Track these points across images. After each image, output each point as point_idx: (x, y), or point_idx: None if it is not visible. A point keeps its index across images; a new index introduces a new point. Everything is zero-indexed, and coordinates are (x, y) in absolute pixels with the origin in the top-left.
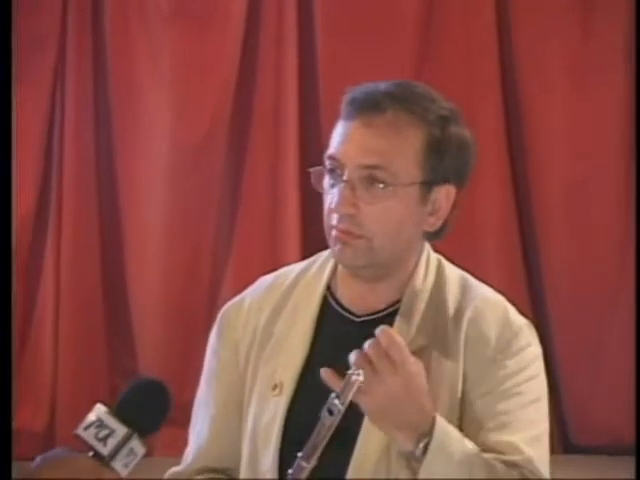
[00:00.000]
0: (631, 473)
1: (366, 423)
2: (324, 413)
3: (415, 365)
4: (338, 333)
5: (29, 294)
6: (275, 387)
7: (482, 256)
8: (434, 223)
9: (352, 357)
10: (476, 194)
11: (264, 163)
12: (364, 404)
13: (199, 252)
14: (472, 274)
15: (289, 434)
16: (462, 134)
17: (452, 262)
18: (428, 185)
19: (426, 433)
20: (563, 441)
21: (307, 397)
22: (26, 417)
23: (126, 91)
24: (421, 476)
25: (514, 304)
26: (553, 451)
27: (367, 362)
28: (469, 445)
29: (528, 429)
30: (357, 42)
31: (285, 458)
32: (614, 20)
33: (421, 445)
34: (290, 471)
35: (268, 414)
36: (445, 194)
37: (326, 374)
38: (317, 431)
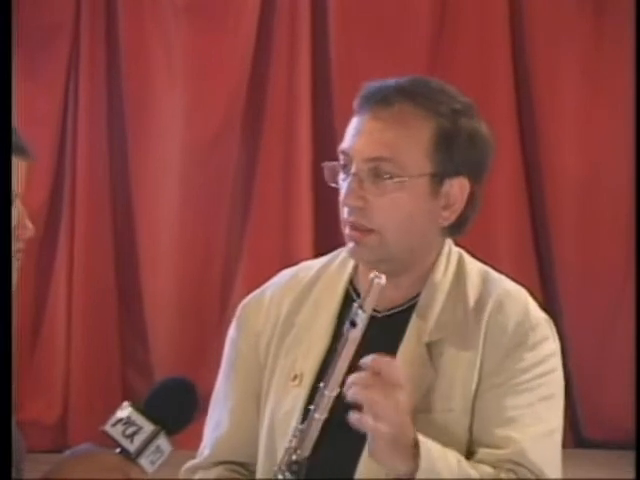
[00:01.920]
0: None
1: None
2: (347, 327)
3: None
4: None
5: (42, 288)
6: (295, 378)
7: (494, 249)
8: (449, 217)
9: (350, 380)
10: (488, 189)
11: (277, 159)
12: (374, 430)
13: (212, 246)
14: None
15: None
16: (475, 127)
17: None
18: (439, 177)
19: (414, 455)
20: (574, 435)
21: None
22: (39, 410)
23: (139, 86)
24: None
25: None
26: (564, 445)
27: (362, 390)
28: (452, 460)
29: (534, 426)
30: (370, 37)
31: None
32: (625, 18)
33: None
34: (312, 407)
35: (287, 405)
36: (459, 187)
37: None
38: (340, 350)
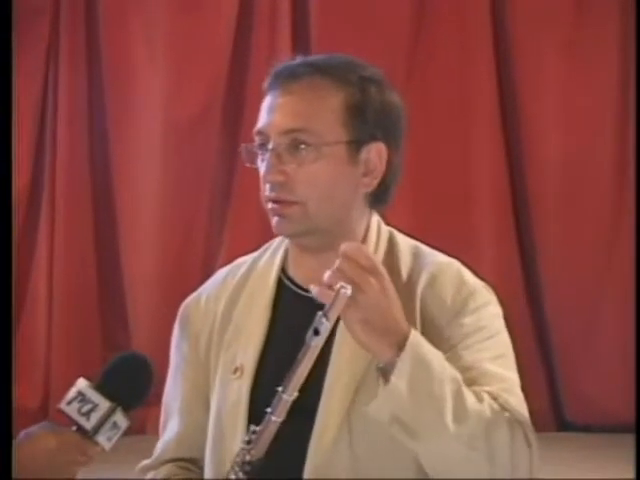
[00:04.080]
0: (626, 451)
1: (326, 392)
2: (310, 335)
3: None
4: (295, 311)
5: (22, 272)
6: (236, 370)
7: (475, 232)
8: (370, 183)
9: (325, 276)
10: (470, 173)
11: None
12: (349, 318)
13: (193, 228)
14: (467, 253)
15: (254, 416)
16: (385, 95)
17: (447, 241)
18: (355, 144)
19: (402, 342)
20: (557, 419)
21: (269, 378)
22: (21, 394)
23: (120, 68)
24: (393, 380)
25: (509, 285)
26: (547, 429)
27: (342, 276)
28: (442, 359)
29: (496, 382)
30: (351, 19)
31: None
32: None
33: (401, 354)
34: (269, 409)
35: (231, 398)
36: (376, 152)
37: (315, 289)
38: (301, 357)
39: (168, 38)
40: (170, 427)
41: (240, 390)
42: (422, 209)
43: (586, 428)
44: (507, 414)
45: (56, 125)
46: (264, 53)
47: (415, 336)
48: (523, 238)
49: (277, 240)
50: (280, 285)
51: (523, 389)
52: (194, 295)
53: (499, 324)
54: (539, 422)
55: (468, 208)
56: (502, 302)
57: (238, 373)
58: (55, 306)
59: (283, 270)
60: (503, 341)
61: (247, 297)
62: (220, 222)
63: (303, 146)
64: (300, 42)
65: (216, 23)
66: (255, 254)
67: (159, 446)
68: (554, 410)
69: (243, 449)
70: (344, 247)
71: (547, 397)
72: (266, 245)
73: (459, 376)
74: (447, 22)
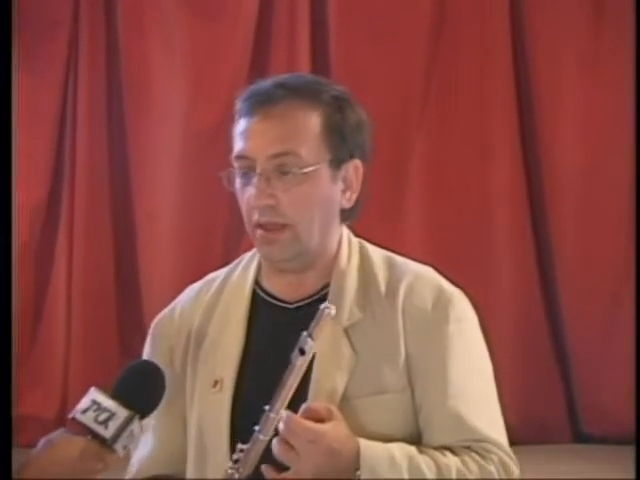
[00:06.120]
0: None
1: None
2: (295, 354)
3: (327, 426)
4: (272, 322)
5: (41, 280)
6: (215, 384)
7: (493, 242)
8: (350, 198)
9: (274, 449)
10: (488, 182)
11: None
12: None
13: (211, 234)
14: (484, 261)
15: (236, 429)
16: (357, 111)
17: (465, 248)
18: (336, 162)
19: (358, 463)
20: (573, 430)
21: (249, 390)
22: (37, 404)
23: (139, 77)
24: None
25: (527, 294)
26: (563, 440)
27: (288, 449)
28: (398, 457)
29: (477, 398)
30: (369, 26)
31: (236, 452)
32: (625, 10)
33: (357, 473)
34: (257, 427)
35: (213, 411)
36: (353, 169)
37: (266, 470)
38: (287, 376)
39: (187, 47)
40: (144, 444)
41: (221, 404)
42: (440, 216)
43: (603, 440)
44: (474, 465)
45: (75, 134)
46: (283, 63)
47: (366, 462)
48: (541, 247)
49: (249, 254)
50: (255, 297)
51: (539, 399)
52: (166, 311)
53: (477, 332)
54: (555, 434)
55: (486, 215)
56: (520, 310)
57: (218, 386)
58: (74, 316)
59: (257, 282)
60: (480, 349)
61: (222, 311)
62: (238, 230)
63: (292, 169)
64: (319, 53)
65: (235, 32)
66: (227, 268)
67: (134, 463)
68: (570, 421)
69: (231, 468)
70: (285, 421)
71: (563, 408)
72: (237, 259)
73: (418, 459)
74: (466, 34)
